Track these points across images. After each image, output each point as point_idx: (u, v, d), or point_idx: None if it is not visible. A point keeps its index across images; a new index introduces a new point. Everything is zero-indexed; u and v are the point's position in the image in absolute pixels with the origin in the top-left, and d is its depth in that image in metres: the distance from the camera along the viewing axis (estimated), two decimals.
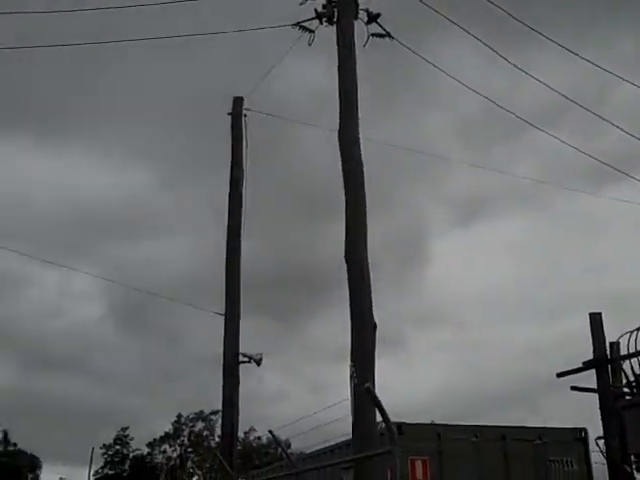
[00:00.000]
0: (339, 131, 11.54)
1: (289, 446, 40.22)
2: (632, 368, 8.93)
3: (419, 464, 13.74)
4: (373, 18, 11.84)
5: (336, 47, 11.68)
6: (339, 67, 11.62)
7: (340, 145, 11.53)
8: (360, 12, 11.86)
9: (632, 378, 8.95)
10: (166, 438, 78.07)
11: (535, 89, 11.89)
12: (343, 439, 15.04)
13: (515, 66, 11.53)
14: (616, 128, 11.61)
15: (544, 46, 11.40)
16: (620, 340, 9.02)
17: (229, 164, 16.92)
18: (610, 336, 9.10)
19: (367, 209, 11.34)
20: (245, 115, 16.73)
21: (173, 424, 77.46)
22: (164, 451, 78.62)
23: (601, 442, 9.26)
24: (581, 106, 11.46)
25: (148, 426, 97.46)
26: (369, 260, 11.23)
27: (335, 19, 11.79)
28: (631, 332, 8.76)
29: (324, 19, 11.94)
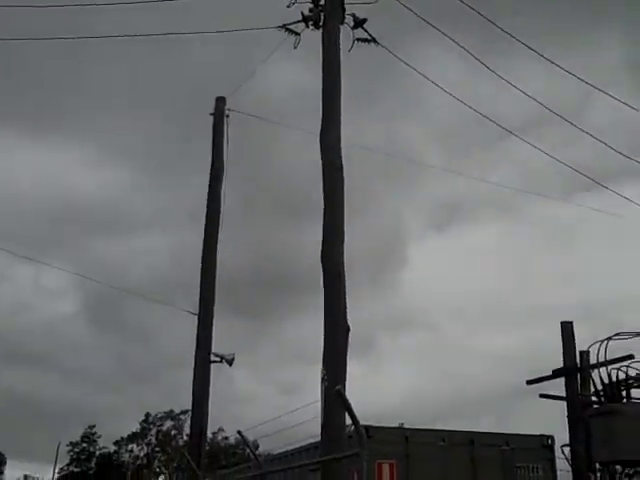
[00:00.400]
0: (320, 134, 11.50)
1: (257, 447, 40.01)
2: (601, 377, 8.96)
3: (386, 467, 13.71)
4: (359, 23, 11.82)
5: (321, 51, 11.64)
6: (323, 71, 11.57)
7: (321, 148, 11.48)
8: (346, 17, 11.84)
9: (600, 387, 8.99)
10: (134, 437, 77.33)
11: (516, 96, 11.94)
12: (311, 441, 14.96)
13: (495, 73, 11.57)
14: (594, 137, 11.64)
15: (528, 53, 11.43)
16: (590, 349, 9.06)
17: (210, 164, 16.82)
18: (582, 343, 9.14)
19: (345, 212, 11.29)
20: (227, 115, 16.64)
21: (141, 423, 76.78)
22: (131, 450, 77.86)
23: (567, 450, 9.31)
24: (557, 114, 11.51)
25: (116, 424, 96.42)
26: (345, 263, 11.17)
27: (321, 23, 11.76)
28: (601, 341, 8.79)
29: (310, 22, 11.90)
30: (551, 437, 14.46)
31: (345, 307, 11.00)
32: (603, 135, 12.67)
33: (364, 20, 11.79)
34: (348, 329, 10.90)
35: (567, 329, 9.34)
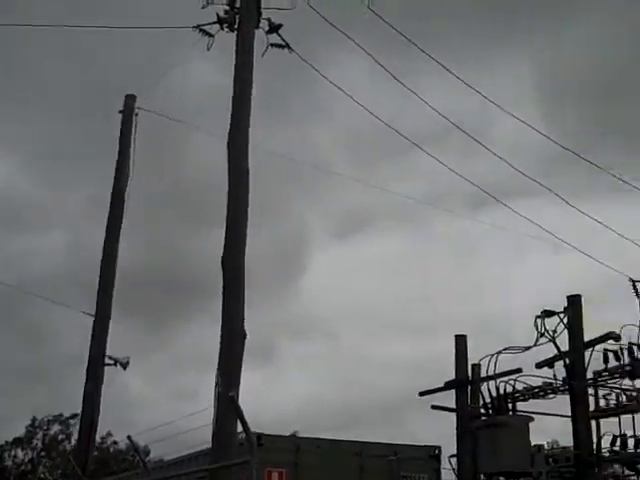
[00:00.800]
0: (229, 137, 11.22)
1: (148, 453, 38.81)
2: (489, 390, 9.00)
3: (275, 476, 13.52)
4: (275, 29, 11.59)
5: (234, 54, 11.35)
6: (235, 74, 11.29)
7: (228, 151, 11.21)
8: (262, 21, 11.60)
9: (488, 400, 9.02)
10: (18, 441, 73.67)
11: (425, 110, 11.89)
12: (204, 447, 14.49)
13: (402, 84, 11.51)
14: (493, 153, 11.73)
15: (440, 68, 11.40)
16: (481, 362, 9.10)
17: (115, 161, 16.16)
18: (477, 356, 9.16)
19: (249, 217, 11.03)
20: (136, 113, 16.04)
21: (27, 427, 73.24)
22: (15, 455, 74.11)
23: (455, 460, 9.29)
24: (461, 130, 11.54)
25: (0, 428, 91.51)
26: (246, 268, 10.89)
27: (236, 26, 11.48)
28: (492, 355, 8.83)
29: (225, 25, 11.58)
30: (438, 448, 14.55)
31: (243, 313, 10.71)
32: (507, 152, 12.81)
33: (279, 26, 11.57)
34: (245, 335, 10.62)
35: (460, 342, 9.35)
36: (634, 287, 7.68)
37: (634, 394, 8.47)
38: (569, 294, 8.49)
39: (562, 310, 8.45)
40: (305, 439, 14.72)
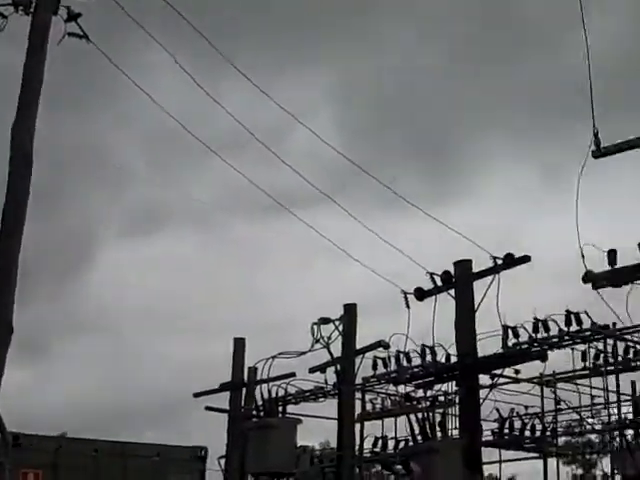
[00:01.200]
0: (14, 123, 9.64)
1: None
2: (262, 393, 8.45)
3: (31, 477, 12.05)
4: (73, 17, 10.22)
5: (27, 38, 9.84)
6: (26, 59, 9.79)
7: (12, 139, 9.63)
8: (61, 8, 10.20)
9: (260, 402, 8.46)
10: None
11: (228, 117, 11.03)
12: None
13: (202, 88, 10.66)
14: (284, 163, 11.19)
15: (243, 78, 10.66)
16: (257, 366, 8.56)
17: None
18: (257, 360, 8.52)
19: (29, 209, 9.49)
20: None
21: None
22: None
23: (223, 461, 8.61)
24: (254, 136, 10.93)
25: None
26: (28, 262, 9.37)
27: (32, 9, 9.97)
28: (267, 359, 8.31)
29: (20, 7, 10.01)
30: (204, 448, 13.75)
31: (12, 307, 9.12)
32: (304, 162, 12.28)
33: (78, 15, 10.23)
34: (11, 331, 9.04)
35: (238, 345, 8.78)
36: (405, 298, 7.58)
37: (397, 399, 8.39)
38: (345, 303, 8.22)
39: (338, 318, 8.15)
40: (67, 439, 13.43)
